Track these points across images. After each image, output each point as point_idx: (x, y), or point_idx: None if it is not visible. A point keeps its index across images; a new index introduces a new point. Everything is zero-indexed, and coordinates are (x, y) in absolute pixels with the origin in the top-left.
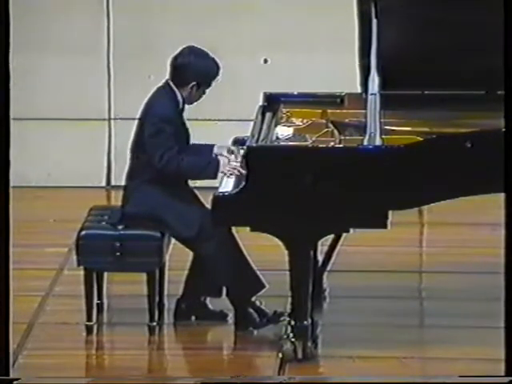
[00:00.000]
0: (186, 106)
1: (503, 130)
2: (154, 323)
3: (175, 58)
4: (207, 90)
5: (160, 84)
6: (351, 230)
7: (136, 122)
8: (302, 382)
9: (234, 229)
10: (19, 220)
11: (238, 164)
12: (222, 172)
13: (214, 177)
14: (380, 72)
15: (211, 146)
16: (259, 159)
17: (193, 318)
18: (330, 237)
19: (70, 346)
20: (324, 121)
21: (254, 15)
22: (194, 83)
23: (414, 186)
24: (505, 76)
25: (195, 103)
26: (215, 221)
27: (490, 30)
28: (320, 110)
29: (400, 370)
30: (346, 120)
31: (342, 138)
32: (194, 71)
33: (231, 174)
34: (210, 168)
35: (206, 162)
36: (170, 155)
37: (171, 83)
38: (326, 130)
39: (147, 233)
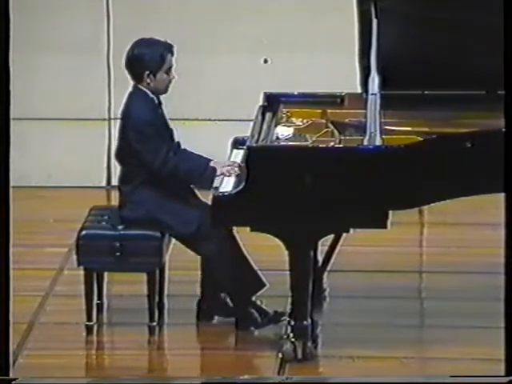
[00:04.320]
0: (186, 106)
1: (503, 130)
2: (154, 323)
3: (125, 58)
4: (172, 73)
5: (130, 89)
6: (351, 230)
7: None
8: (301, 382)
9: (234, 228)
10: (19, 220)
11: (232, 162)
12: (222, 174)
13: (209, 187)
14: (380, 72)
15: (207, 160)
16: (259, 159)
17: (215, 317)
18: (330, 237)
19: (70, 346)
20: (324, 121)
21: (254, 15)
22: (146, 72)
23: (414, 186)
24: (505, 76)
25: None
26: (215, 221)
27: (490, 30)
28: (320, 110)
29: (400, 370)
30: (346, 120)
31: (342, 137)
32: (140, 62)
33: (230, 174)
34: (206, 176)
35: (202, 169)
36: (162, 157)
37: (137, 85)
38: (326, 130)
39: (147, 233)
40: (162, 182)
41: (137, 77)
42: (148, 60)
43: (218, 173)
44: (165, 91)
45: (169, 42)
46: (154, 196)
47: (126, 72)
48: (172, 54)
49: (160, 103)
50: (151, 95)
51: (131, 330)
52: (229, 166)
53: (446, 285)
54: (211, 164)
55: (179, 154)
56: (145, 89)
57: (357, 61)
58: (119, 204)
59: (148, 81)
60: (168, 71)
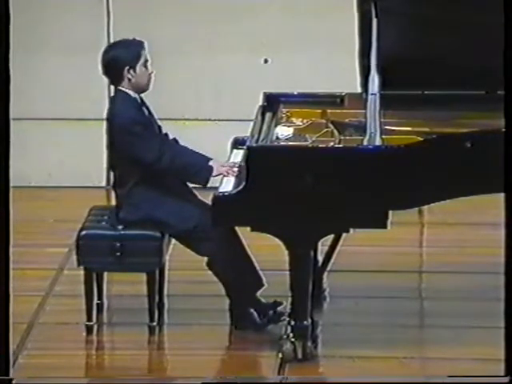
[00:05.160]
0: (186, 106)
1: (503, 130)
2: (154, 323)
3: (101, 65)
4: (149, 68)
5: (112, 94)
6: (351, 230)
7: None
8: (301, 382)
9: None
10: (19, 220)
11: (232, 164)
12: (220, 174)
13: (205, 184)
14: (380, 72)
15: (206, 158)
16: (259, 159)
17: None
18: (330, 237)
19: (70, 346)
20: (324, 121)
21: (253, 15)
22: (126, 68)
23: (414, 186)
24: (505, 76)
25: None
26: (215, 221)
27: (490, 29)
28: (320, 110)
29: (400, 370)
30: (346, 120)
31: (342, 138)
32: (116, 60)
33: (228, 175)
34: (203, 173)
35: (199, 165)
36: (155, 151)
37: (118, 87)
38: (326, 130)
39: (147, 233)
40: (157, 180)
41: (117, 77)
42: (124, 56)
43: (215, 173)
44: (146, 87)
45: (137, 39)
46: (150, 196)
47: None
48: (144, 50)
49: (143, 102)
50: (133, 95)
51: (131, 330)
52: (227, 166)
53: (446, 285)
54: (210, 163)
55: (177, 149)
56: (126, 89)
57: (357, 61)
58: (116, 206)
59: (129, 76)
60: (145, 65)
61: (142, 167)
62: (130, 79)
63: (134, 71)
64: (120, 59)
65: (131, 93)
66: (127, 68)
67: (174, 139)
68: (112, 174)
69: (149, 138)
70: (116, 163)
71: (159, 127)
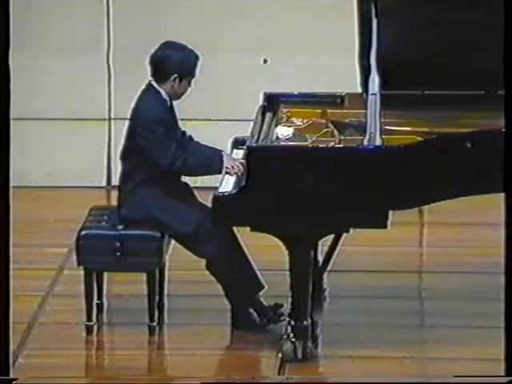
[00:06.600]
0: (186, 106)
1: (503, 130)
2: (154, 323)
3: (153, 55)
4: (192, 83)
5: (143, 86)
6: (351, 230)
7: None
8: (301, 382)
9: (234, 228)
10: (19, 220)
11: (241, 162)
12: (226, 167)
13: (220, 171)
14: (380, 72)
15: (217, 150)
16: (259, 159)
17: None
18: (330, 237)
19: (69, 346)
20: (324, 121)
21: (254, 15)
22: (175, 76)
23: (414, 186)
24: (505, 76)
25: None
26: (215, 221)
27: (489, 29)
28: (320, 110)
29: (400, 370)
30: (346, 120)
31: (342, 137)
32: (172, 63)
33: (234, 172)
34: (215, 163)
35: (209, 157)
36: (171, 154)
37: (154, 83)
38: (326, 129)
39: (147, 233)
40: (160, 181)
41: (161, 76)
42: (179, 65)
43: (225, 162)
44: (178, 98)
45: (196, 52)
46: (152, 195)
47: (126, 72)
48: (197, 66)
49: (172, 105)
50: (165, 96)
51: (131, 330)
52: (237, 165)
53: (446, 285)
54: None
55: (190, 148)
56: (161, 89)
57: (357, 61)
58: (118, 203)
59: (172, 83)
60: (190, 80)
61: (154, 169)
62: (172, 85)
63: (180, 82)
64: (173, 65)
65: (163, 93)
66: (175, 76)
67: (190, 136)
68: (120, 166)
69: (167, 142)
70: (129, 157)
71: (183, 132)
